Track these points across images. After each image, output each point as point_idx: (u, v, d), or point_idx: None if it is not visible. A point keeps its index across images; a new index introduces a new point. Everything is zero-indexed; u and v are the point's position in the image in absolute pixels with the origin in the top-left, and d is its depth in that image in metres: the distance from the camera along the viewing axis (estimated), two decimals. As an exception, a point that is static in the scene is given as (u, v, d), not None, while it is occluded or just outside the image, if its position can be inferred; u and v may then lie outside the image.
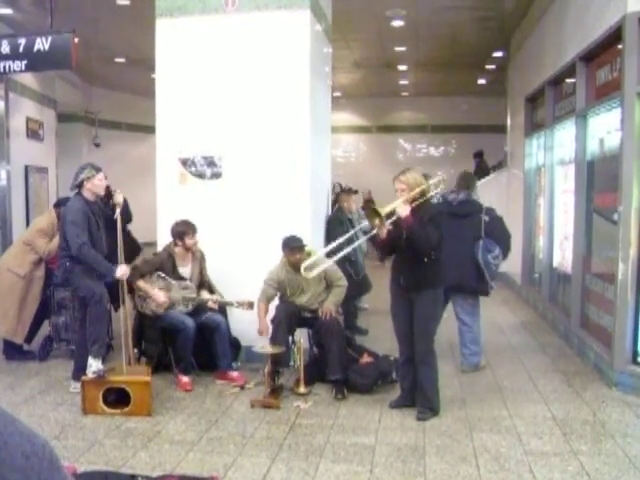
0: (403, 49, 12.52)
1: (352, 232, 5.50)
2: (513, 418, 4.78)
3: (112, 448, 4.24)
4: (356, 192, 8.10)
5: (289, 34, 6.21)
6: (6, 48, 6.82)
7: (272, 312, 5.71)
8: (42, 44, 6.79)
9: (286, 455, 4.13)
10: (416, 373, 4.86)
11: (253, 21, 6.23)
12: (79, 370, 5.24)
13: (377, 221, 4.57)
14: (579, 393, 5.37)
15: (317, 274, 5.62)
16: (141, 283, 5.69)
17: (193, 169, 6.39)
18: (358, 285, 7.12)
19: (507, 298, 10.02)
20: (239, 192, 6.31)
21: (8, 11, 9.41)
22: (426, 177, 5.17)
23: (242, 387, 5.51)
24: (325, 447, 4.25)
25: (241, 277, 6.08)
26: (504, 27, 10.78)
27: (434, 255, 4.72)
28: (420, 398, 4.85)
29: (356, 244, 5.52)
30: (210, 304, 5.76)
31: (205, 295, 5.84)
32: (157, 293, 5.66)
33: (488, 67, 13.94)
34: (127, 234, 6.21)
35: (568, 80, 7.44)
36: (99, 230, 5.30)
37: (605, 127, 6.16)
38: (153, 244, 6.56)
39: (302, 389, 5.35)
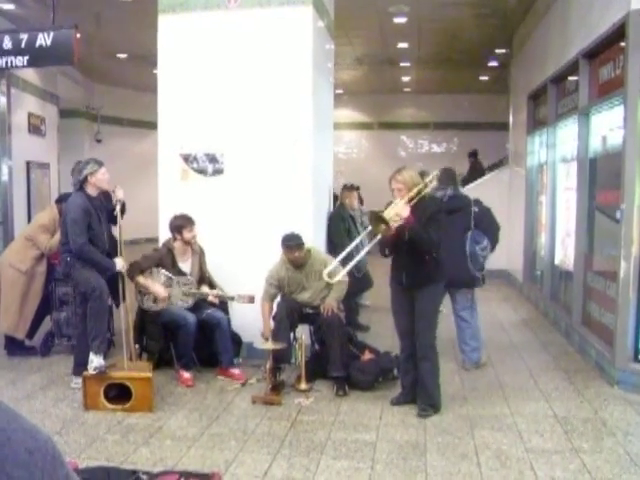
0: (405, 46, 12.49)
1: (362, 235, 5.34)
2: (514, 416, 4.78)
3: (113, 444, 4.24)
4: (358, 189, 8.09)
5: (291, 30, 6.20)
6: (8, 43, 6.82)
7: (274, 309, 5.71)
8: (44, 40, 6.78)
9: (287, 451, 4.13)
10: (417, 369, 4.86)
11: (255, 17, 6.22)
12: (79, 365, 5.26)
13: (383, 227, 4.53)
14: (580, 391, 5.37)
15: (319, 269, 5.65)
16: (141, 278, 5.69)
17: (195, 165, 6.39)
18: (359, 282, 7.12)
19: (508, 295, 10.02)
20: (241, 188, 6.30)
21: (10, 6, 9.41)
22: (423, 174, 5.15)
23: (243, 383, 5.51)
24: (326, 443, 4.25)
25: (243, 273, 6.08)
26: (507, 24, 10.75)
27: (435, 252, 4.72)
28: (421, 394, 4.85)
29: (357, 240, 5.48)
30: (211, 298, 5.77)
31: (205, 290, 5.84)
32: (158, 288, 5.66)
33: (490, 64, 13.91)
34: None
35: (571, 77, 7.43)
36: (101, 225, 5.32)
37: (608, 125, 6.15)
38: (155, 240, 6.56)
39: (303, 385, 5.35)
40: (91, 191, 5.26)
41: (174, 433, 4.45)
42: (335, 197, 8.04)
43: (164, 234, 6.12)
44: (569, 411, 4.89)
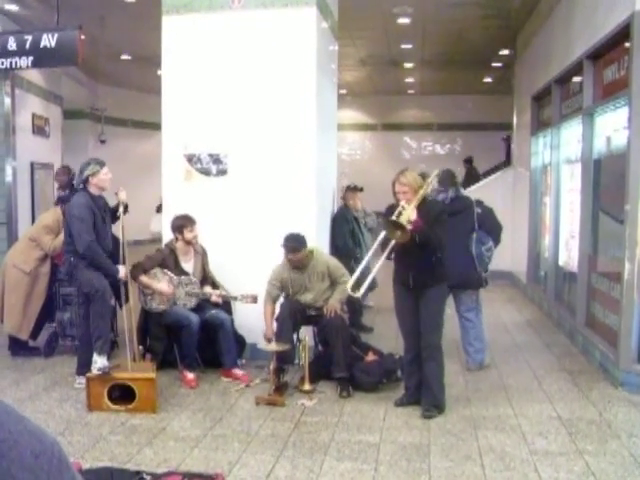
0: (409, 47, 12.48)
1: (376, 244, 4.93)
2: (518, 417, 4.77)
3: (117, 444, 4.25)
4: (361, 190, 8.08)
5: (295, 31, 6.20)
6: (12, 44, 6.84)
7: (277, 310, 5.70)
8: (48, 40, 6.80)
9: (291, 452, 4.13)
10: (422, 370, 4.85)
11: (259, 18, 6.22)
12: (83, 366, 5.26)
13: (399, 233, 4.50)
14: (584, 392, 5.35)
15: (322, 270, 5.65)
16: (144, 278, 5.70)
17: (199, 166, 6.39)
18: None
19: (512, 296, 10.00)
20: (245, 189, 6.30)
21: (15, 7, 9.42)
22: (424, 176, 5.15)
23: (247, 384, 5.51)
24: (330, 445, 4.25)
25: (246, 274, 6.08)
26: (511, 25, 10.74)
27: (440, 253, 4.72)
28: (426, 395, 4.84)
29: (373, 248, 5.41)
30: (214, 298, 5.77)
31: (209, 290, 5.84)
32: (161, 285, 5.67)
33: (494, 65, 13.89)
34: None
35: (575, 78, 7.41)
36: (105, 225, 5.34)
37: (612, 126, 6.14)
38: (159, 241, 6.56)
39: (307, 387, 5.35)
40: (94, 191, 5.27)
41: (177, 434, 4.45)
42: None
43: (168, 235, 6.12)
44: (573, 413, 4.87)
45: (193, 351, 5.63)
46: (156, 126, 7.52)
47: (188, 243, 5.84)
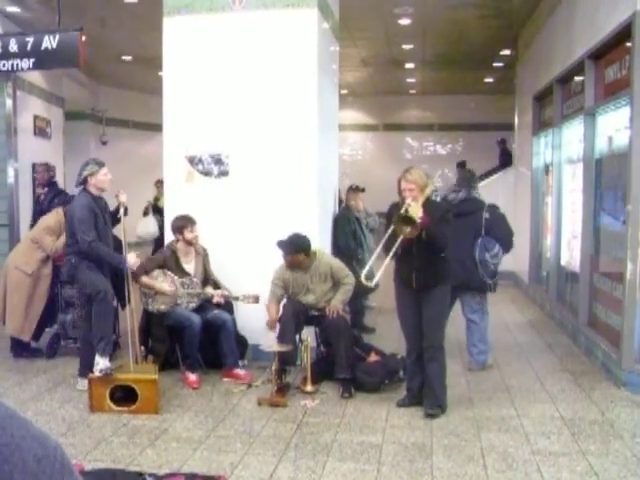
0: (410, 47, 12.48)
1: (385, 237, 4.83)
2: (521, 417, 4.77)
3: (119, 446, 4.25)
4: (363, 190, 8.07)
5: (296, 32, 6.21)
6: (14, 46, 6.86)
7: (280, 310, 5.70)
8: (50, 42, 6.81)
9: (293, 453, 4.13)
10: (425, 370, 4.84)
11: (260, 19, 6.22)
12: (85, 367, 5.26)
13: (408, 229, 4.49)
14: (587, 392, 5.35)
15: (324, 271, 5.65)
16: (145, 279, 5.70)
17: (200, 167, 6.39)
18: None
19: (514, 297, 10.00)
20: (246, 190, 6.30)
21: (16, 9, 9.43)
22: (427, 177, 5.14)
23: (249, 385, 5.51)
24: (332, 445, 4.25)
25: (248, 275, 6.08)
26: (512, 25, 10.73)
27: (444, 252, 4.71)
28: (428, 396, 4.83)
29: (384, 239, 5.36)
30: (216, 299, 5.76)
31: (210, 290, 5.84)
32: (163, 285, 5.67)
33: (496, 65, 13.88)
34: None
35: (577, 78, 7.41)
36: (106, 225, 5.34)
37: (614, 125, 6.13)
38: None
39: (309, 387, 5.34)
40: (93, 192, 5.27)
41: (180, 435, 4.45)
42: (340, 201, 8.02)
43: (170, 235, 6.12)
44: (576, 413, 4.87)
45: (195, 352, 5.63)
46: (157, 127, 7.52)
47: (189, 244, 5.84)
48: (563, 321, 7.66)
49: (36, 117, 10.96)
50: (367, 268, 5.07)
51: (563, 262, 8.24)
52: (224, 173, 6.37)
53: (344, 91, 15.49)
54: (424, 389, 4.88)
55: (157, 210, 9.08)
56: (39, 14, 9.32)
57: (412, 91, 17.71)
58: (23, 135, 10.35)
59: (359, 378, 5.37)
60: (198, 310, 5.71)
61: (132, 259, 5.33)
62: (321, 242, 6.26)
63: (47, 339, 6.51)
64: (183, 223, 5.81)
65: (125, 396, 4.91)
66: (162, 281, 5.71)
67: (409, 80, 16.24)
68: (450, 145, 18.45)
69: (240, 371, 5.71)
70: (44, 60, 6.91)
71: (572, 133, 7.79)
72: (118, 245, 5.53)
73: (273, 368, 5.13)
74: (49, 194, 7.63)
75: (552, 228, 8.63)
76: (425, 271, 4.70)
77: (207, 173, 6.39)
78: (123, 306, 6.05)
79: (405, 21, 10.46)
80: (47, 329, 6.63)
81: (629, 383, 5.31)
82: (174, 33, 6.41)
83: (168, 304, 5.68)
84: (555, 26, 8.40)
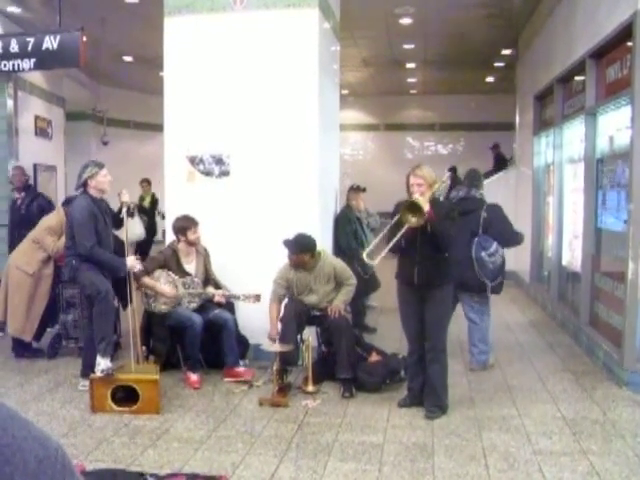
0: (411, 47, 12.48)
1: (387, 227, 4.81)
2: (522, 417, 4.76)
3: (120, 446, 4.25)
4: (364, 190, 8.07)
5: (297, 32, 6.20)
6: (15, 47, 6.85)
7: (281, 311, 5.71)
8: (51, 42, 6.81)
9: (294, 454, 4.13)
10: (427, 371, 4.84)
11: (261, 19, 6.22)
12: (87, 367, 5.27)
13: (414, 219, 4.46)
14: (589, 392, 5.34)
15: (328, 272, 5.65)
16: (147, 280, 5.70)
17: (201, 167, 6.39)
18: (366, 283, 7.11)
19: (516, 296, 9.99)
20: (247, 190, 6.30)
21: (17, 10, 9.44)
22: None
23: (250, 385, 5.50)
24: (333, 445, 4.24)
25: (249, 275, 6.08)
26: (512, 24, 10.73)
27: (447, 251, 4.71)
28: (429, 396, 4.83)
29: (390, 224, 5.34)
30: (217, 298, 5.76)
31: (211, 290, 5.84)
32: (164, 288, 5.67)
33: (496, 65, 13.89)
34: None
35: (577, 78, 7.40)
36: (106, 227, 5.33)
37: (615, 125, 6.13)
38: (161, 242, 6.56)
39: (310, 387, 5.34)
40: (94, 194, 5.26)
41: (181, 435, 4.45)
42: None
43: (171, 236, 6.12)
44: (577, 413, 4.86)
45: (196, 352, 5.63)
46: (158, 127, 7.52)
47: (191, 244, 5.84)
48: (564, 321, 7.65)
49: (37, 117, 10.97)
50: (370, 247, 5.11)
51: (564, 262, 8.23)
52: (225, 173, 6.37)
53: (345, 91, 15.49)
54: (425, 389, 4.88)
55: (142, 210, 8.87)
56: (40, 14, 9.33)
57: (413, 91, 17.71)
58: (24, 135, 10.36)
59: (360, 378, 5.37)
60: (199, 310, 5.71)
61: (132, 262, 5.33)
62: (322, 242, 6.25)
63: (48, 339, 6.51)
64: (186, 224, 5.80)
65: (126, 396, 4.91)
66: (164, 282, 5.71)
67: (410, 80, 16.24)
68: (451, 145, 18.46)
69: (240, 368, 5.71)
70: (45, 60, 6.91)
71: (573, 133, 7.78)
72: (120, 246, 5.52)
73: (274, 368, 5.13)
74: (26, 198, 7.55)
75: (553, 228, 8.62)
76: (427, 266, 4.68)
77: (208, 173, 6.39)
78: (125, 306, 6.05)
79: (406, 21, 10.46)
80: (48, 329, 6.65)
81: (631, 383, 5.30)
82: (175, 33, 6.41)
83: (169, 304, 5.69)
84: (556, 25, 8.39)
